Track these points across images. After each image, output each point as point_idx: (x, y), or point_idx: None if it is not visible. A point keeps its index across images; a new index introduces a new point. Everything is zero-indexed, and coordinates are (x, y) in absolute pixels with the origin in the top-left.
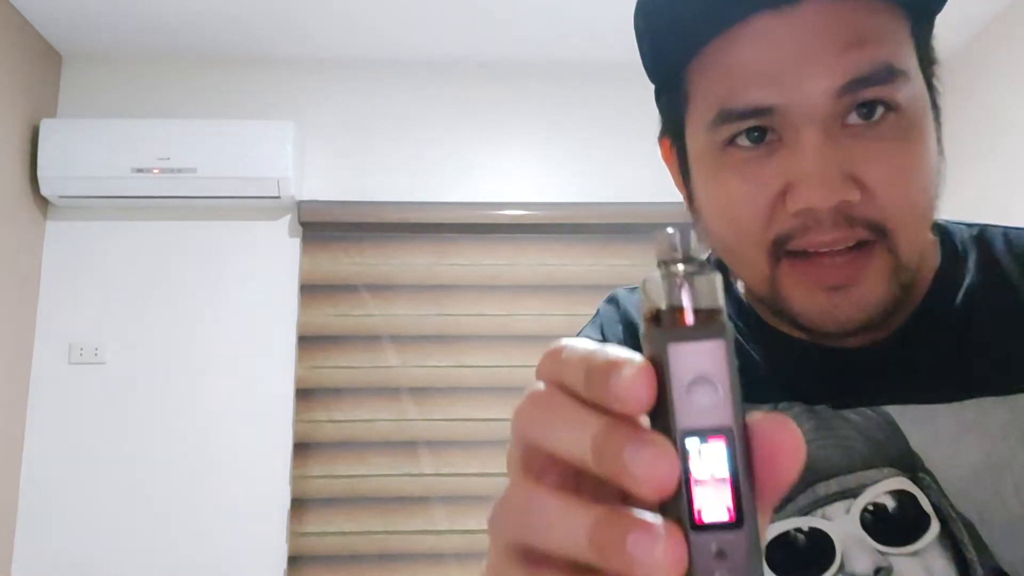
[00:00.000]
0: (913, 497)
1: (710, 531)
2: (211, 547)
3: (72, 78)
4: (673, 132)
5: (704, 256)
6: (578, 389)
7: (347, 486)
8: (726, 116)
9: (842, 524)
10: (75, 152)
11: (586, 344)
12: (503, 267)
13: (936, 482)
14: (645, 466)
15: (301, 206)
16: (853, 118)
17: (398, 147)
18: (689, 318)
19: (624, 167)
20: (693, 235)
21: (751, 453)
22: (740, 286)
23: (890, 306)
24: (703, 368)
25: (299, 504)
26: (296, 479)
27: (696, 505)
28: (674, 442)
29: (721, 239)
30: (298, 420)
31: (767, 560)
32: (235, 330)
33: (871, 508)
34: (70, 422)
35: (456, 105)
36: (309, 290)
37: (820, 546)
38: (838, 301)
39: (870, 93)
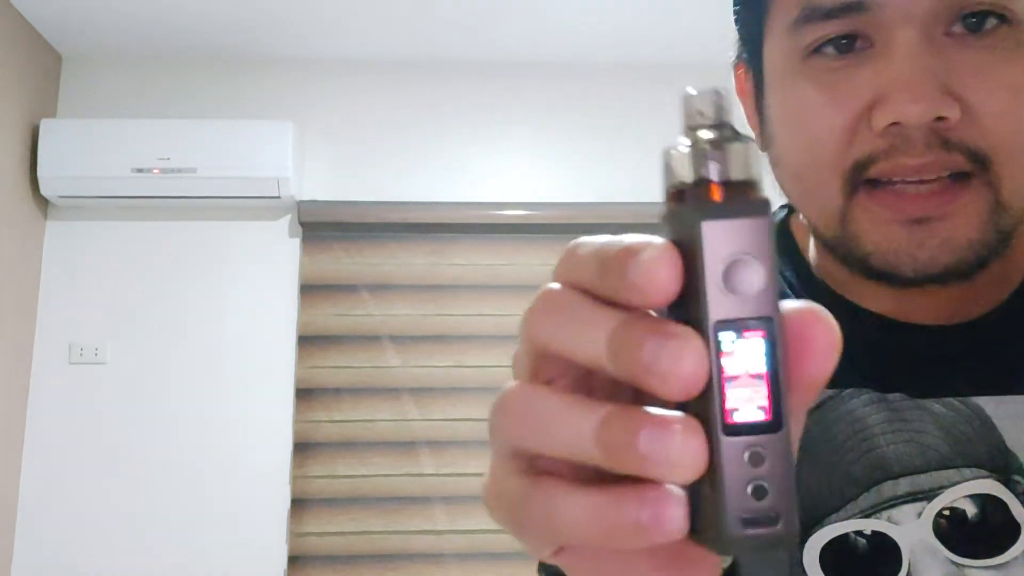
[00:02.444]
0: (1000, 503)
1: (744, 434)
2: (211, 547)
3: (72, 78)
4: (750, 49)
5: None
6: (593, 286)
7: (347, 486)
8: (811, 14)
9: (912, 529)
10: (75, 152)
11: (603, 237)
12: (502, 267)
13: None
14: (669, 360)
15: (301, 206)
16: (958, 27)
17: (398, 147)
18: (723, 192)
19: (624, 167)
20: (725, 96)
21: (787, 350)
22: (812, 254)
23: (983, 253)
24: (742, 250)
25: (299, 504)
26: (296, 479)
27: (728, 404)
28: (704, 334)
29: (791, 165)
30: (298, 420)
31: (821, 563)
32: (235, 330)
33: (947, 513)
34: (70, 422)
35: (456, 105)
36: (309, 290)
37: (884, 553)
38: (921, 237)
39: None
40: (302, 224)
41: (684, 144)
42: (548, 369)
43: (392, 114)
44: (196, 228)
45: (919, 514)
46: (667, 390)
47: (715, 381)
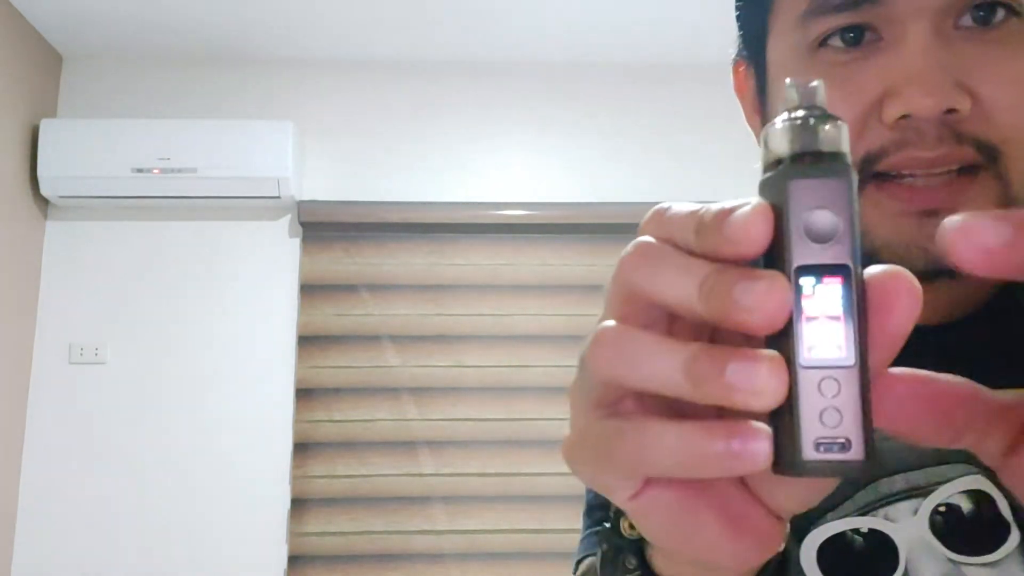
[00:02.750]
0: (990, 499)
1: (819, 368)
2: (211, 547)
3: (72, 78)
4: (751, 47)
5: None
6: (688, 242)
7: (347, 486)
8: (821, 7)
9: (908, 526)
10: (75, 152)
11: (694, 204)
12: (502, 267)
13: None
14: (756, 297)
15: (301, 206)
16: (967, 20)
17: (398, 147)
18: (810, 159)
19: (623, 167)
20: (820, 87)
21: (866, 301)
22: None
23: None
24: (824, 205)
25: (299, 504)
26: (296, 479)
27: (806, 341)
28: (787, 278)
29: None
30: (298, 420)
31: (818, 561)
32: (235, 330)
33: (942, 509)
34: (70, 422)
35: (455, 105)
36: (309, 290)
37: (881, 550)
38: (932, 229)
39: None
40: (302, 224)
41: (781, 121)
42: (635, 314)
43: (392, 114)
44: (196, 228)
45: (915, 511)
46: (754, 323)
47: (795, 320)
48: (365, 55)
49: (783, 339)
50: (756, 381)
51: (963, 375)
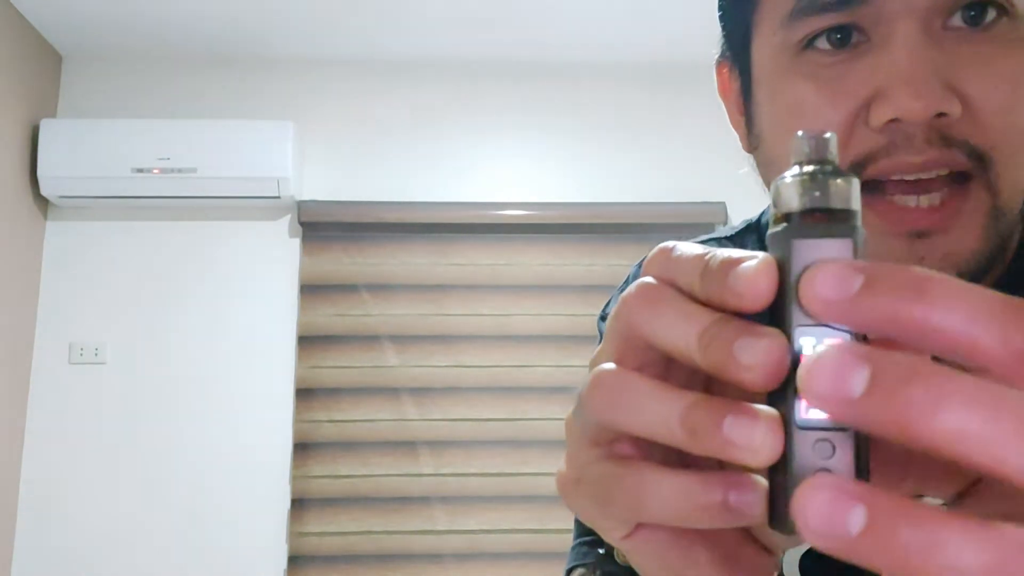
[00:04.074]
0: None
1: (815, 428)
2: (211, 547)
3: (72, 78)
4: (735, 48)
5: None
6: (692, 287)
7: (347, 486)
8: (808, 6)
9: None
10: (75, 152)
11: (700, 247)
12: (502, 267)
13: None
14: (755, 355)
15: (301, 206)
16: (957, 20)
17: (398, 147)
18: (818, 217)
19: (623, 167)
20: (832, 139)
21: None
22: None
23: (984, 261)
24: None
25: (299, 504)
26: (296, 479)
27: (803, 402)
28: (787, 337)
29: (784, 166)
30: (298, 420)
31: (800, 569)
32: (235, 330)
33: None
34: (70, 422)
35: (455, 105)
36: (309, 290)
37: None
38: (923, 251)
39: None
40: (302, 224)
41: (791, 176)
42: (633, 354)
43: (392, 114)
44: (196, 228)
45: None
46: (751, 380)
47: (791, 379)
48: (365, 55)
49: (781, 396)
50: (753, 438)
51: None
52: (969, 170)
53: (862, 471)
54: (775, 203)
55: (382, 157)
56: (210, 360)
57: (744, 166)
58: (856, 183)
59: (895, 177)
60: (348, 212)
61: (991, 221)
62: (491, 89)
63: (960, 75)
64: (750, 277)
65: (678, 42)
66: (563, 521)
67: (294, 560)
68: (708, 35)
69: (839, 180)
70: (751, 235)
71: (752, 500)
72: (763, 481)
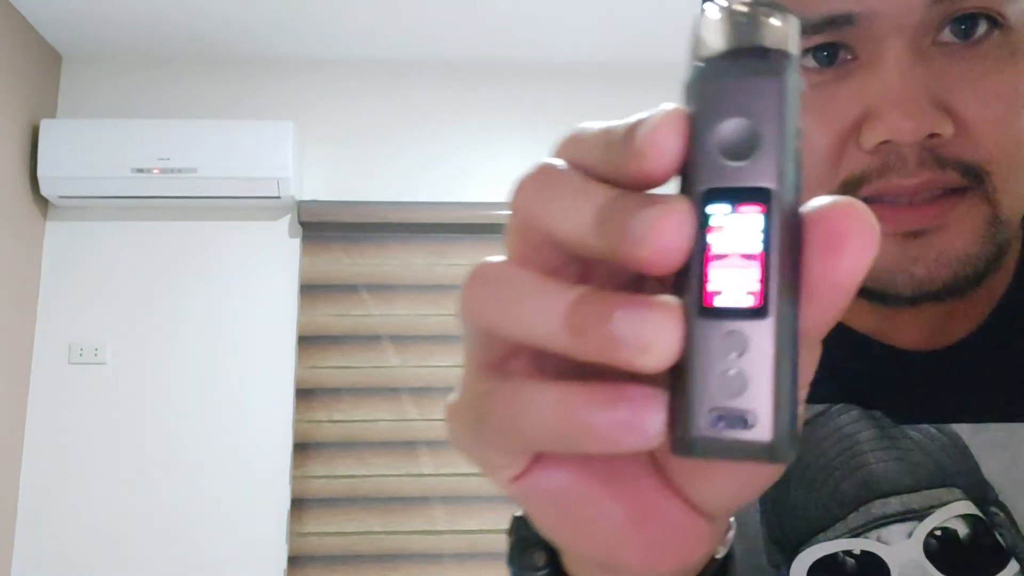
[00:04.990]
0: (987, 525)
1: (724, 317)
2: (211, 547)
3: (72, 78)
4: None
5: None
6: (595, 162)
7: (347, 486)
8: None
9: (901, 549)
10: (75, 152)
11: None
12: None
13: (1012, 519)
14: (648, 224)
15: (301, 206)
16: (947, 35)
17: (398, 147)
18: (742, 55)
19: None
20: None
21: (801, 237)
22: None
23: (981, 267)
24: (747, 111)
25: (299, 504)
26: (296, 479)
27: (709, 285)
28: (692, 203)
29: None
30: (298, 420)
31: None
32: (235, 330)
33: (938, 533)
34: (70, 422)
35: (456, 105)
36: (309, 290)
37: (873, 573)
38: (916, 252)
39: (971, 3)
40: (302, 224)
41: (715, 8)
42: (534, 254)
43: (392, 114)
44: (196, 228)
45: (909, 534)
46: (644, 257)
47: (695, 256)
48: (365, 55)
49: (684, 281)
50: (644, 332)
51: (959, 400)
52: (965, 186)
53: (781, 376)
54: (693, 48)
55: (382, 157)
56: (210, 360)
57: None
58: (795, 21)
59: (888, 198)
60: (348, 212)
61: (988, 227)
62: (492, 89)
63: (952, 94)
64: (651, 133)
65: (678, 42)
66: None
67: (294, 560)
68: None
69: (778, 16)
70: None
71: (648, 417)
72: (662, 394)
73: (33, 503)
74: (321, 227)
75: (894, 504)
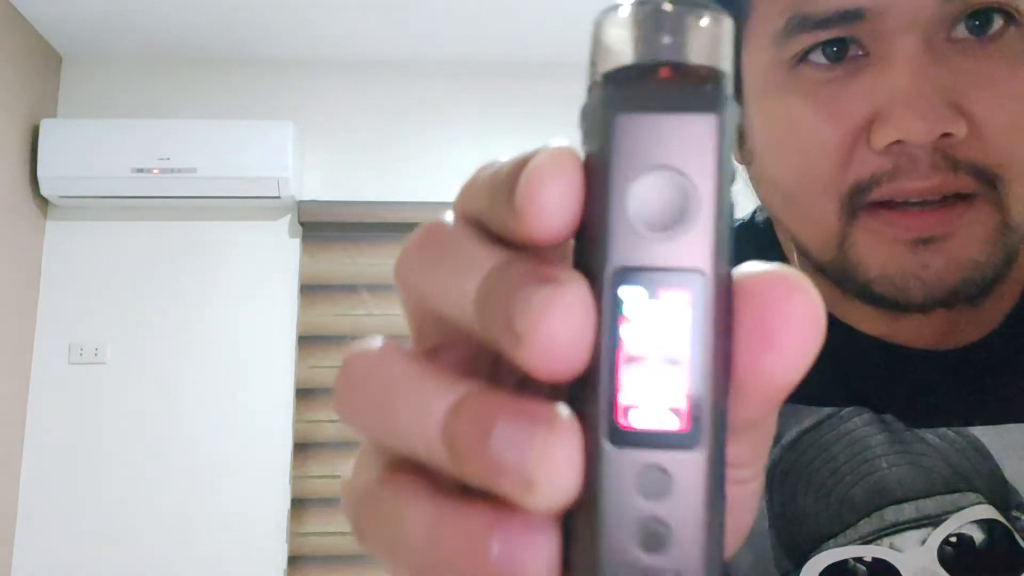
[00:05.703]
0: (1005, 530)
1: (642, 445)
2: (211, 547)
3: (72, 78)
4: None
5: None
6: (483, 215)
7: None
8: (800, 23)
9: (915, 557)
10: (75, 152)
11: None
12: None
13: None
14: (530, 312)
15: (301, 206)
16: (961, 31)
17: (398, 147)
18: (664, 76)
19: None
20: None
21: (730, 322)
22: (795, 263)
23: (990, 274)
24: (672, 159)
25: (299, 504)
26: (296, 479)
27: (622, 397)
28: (597, 286)
29: (781, 184)
30: (298, 420)
31: None
32: (235, 330)
33: (953, 540)
34: (70, 422)
35: (456, 105)
36: (309, 290)
37: None
38: (927, 258)
39: None
40: (302, 224)
41: (623, 8)
42: (432, 335)
43: (392, 114)
44: (196, 228)
45: (923, 541)
46: (527, 359)
47: (604, 359)
48: (365, 55)
49: (585, 391)
50: (528, 461)
51: (974, 403)
52: (975, 191)
53: (715, 524)
54: (594, 59)
55: (382, 157)
56: (210, 360)
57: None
58: (728, 23)
59: (899, 200)
60: (348, 212)
61: (998, 235)
62: (492, 89)
63: (965, 93)
64: (527, 183)
65: None
66: None
67: (294, 560)
68: None
69: (703, 16)
70: (746, 236)
71: (533, 557)
72: (554, 529)
73: (33, 503)
74: (321, 227)
75: (908, 510)
